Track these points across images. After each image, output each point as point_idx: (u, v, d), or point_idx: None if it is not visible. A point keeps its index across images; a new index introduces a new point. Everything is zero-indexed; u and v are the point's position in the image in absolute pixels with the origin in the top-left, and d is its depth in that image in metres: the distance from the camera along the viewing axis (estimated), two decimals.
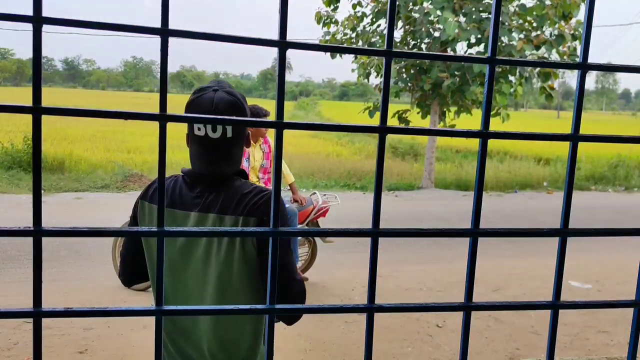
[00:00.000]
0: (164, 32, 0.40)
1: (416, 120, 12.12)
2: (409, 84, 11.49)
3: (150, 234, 0.43)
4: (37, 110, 0.38)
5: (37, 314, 0.40)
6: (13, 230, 0.39)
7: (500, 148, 18.23)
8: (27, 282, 5.03)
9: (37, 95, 0.39)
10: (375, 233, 0.46)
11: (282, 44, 0.42)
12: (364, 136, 20.59)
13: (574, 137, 0.50)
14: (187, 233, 0.44)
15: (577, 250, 6.52)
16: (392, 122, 11.97)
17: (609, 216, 9.44)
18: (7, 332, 3.88)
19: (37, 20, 0.38)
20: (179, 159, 12.37)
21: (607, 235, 0.51)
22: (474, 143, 18.66)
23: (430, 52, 0.47)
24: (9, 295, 4.67)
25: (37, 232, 0.39)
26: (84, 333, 3.88)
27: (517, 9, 10.54)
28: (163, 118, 0.41)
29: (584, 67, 0.50)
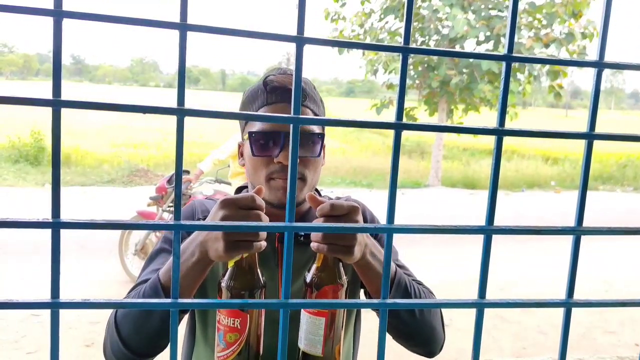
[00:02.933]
0: (183, 27, 0.40)
1: (423, 117, 12.09)
2: (417, 81, 11.46)
3: (167, 227, 0.43)
4: (57, 104, 0.38)
5: (55, 305, 0.40)
6: (32, 222, 0.39)
7: (508, 147, 18.17)
8: (33, 276, 5.06)
9: (57, 88, 0.39)
10: (390, 229, 0.46)
11: (300, 40, 0.42)
12: (371, 133, 20.57)
13: (590, 136, 0.50)
14: (205, 226, 0.44)
15: (585, 250, 6.49)
16: None
17: (618, 216, 9.40)
18: (15, 324, 3.91)
19: (58, 13, 0.38)
20: (184, 154, 12.38)
21: (621, 234, 0.51)
22: (482, 141, 18.61)
23: (446, 49, 0.47)
24: (15, 288, 4.71)
25: (56, 224, 0.39)
26: (90, 327, 3.90)
27: (526, 6, 10.49)
28: (181, 112, 0.41)
29: (600, 65, 0.50)
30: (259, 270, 0.88)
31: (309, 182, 1.11)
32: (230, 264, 0.86)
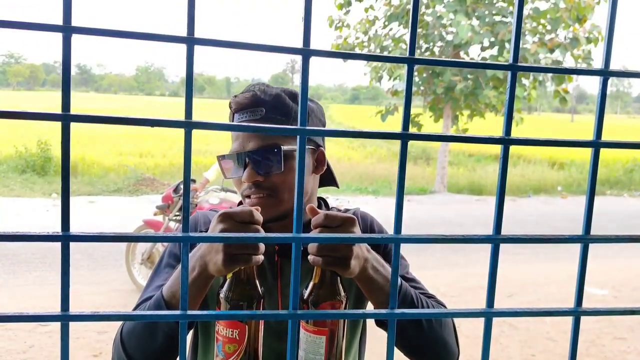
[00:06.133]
0: (190, 41, 0.41)
1: (428, 123, 12.09)
2: (422, 87, 11.47)
3: (175, 239, 0.43)
4: (67, 118, 0.38)
5: (65, 318, 0.40)
6: (42, 235, 0.40)
7: (514, 152, 18.10)
8: (41, 285, 5.08)
9: (66, 102, 0.39)
10: (397, 239, 0.46)
11: (307, 52, 0.42)
12: (376, 140, 20.57)
13: (596, 144, 0.50)
14: (212, 238, 0.44)
15: (592, 255, 6.45)
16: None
17: (625, 221, 9.33)
18: (23, 335, 3.91)
19: (67, 29, 0.38)
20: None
21: (630, 242, 0.51)
22: (487, 147, 18.56)
23: (452, 59, 0.47)
24: (24, 298, 4.72)
25: (66, 238, 0.40)
26: (97, 336, 3.90)
27: (531, 12, 10.49)
28: (189, 125, 0.41)
29: (605, 74, 0.50)
30: (257, 281, 0.88)
31: (285, 198, 1.08)
32: (229, 275, 0.87)
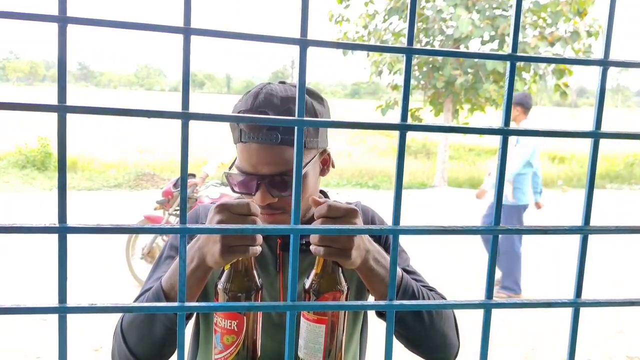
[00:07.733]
0: (187, 31, 0.41)
1: (429, 118, 12.08)
2: (422, 82, 11.45)
3: (173, 230, 0.43)
4: (62, 109, 0.38)
5: (62, 310, 0.40)
6: (39, 227, 0.39)
7: None
8: (41, 281, 5.08)
9: (62, 93, 0.39)
10: (395, 230, 0.46)
11: (304, 42, 0.42)
12: (376, 135, 20.55)
13: (596, 134, 0.49)
14: (210, 230, 0.44)
15: (592, 248, 6.46)
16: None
17: (626, 215, 9.33)
18: (23, 329, 3.92)
19: (63, 20, 0.38)
20: (192, 159, 12.43)
21: (630, 233, 0.51)
22: (487, 141, 18.54)
23: (450, 49, 0.47)
24: (25, 293, 4.73)
25: (63, 230, 0.39)
26: (98, 331, 3.91)
27: (531, 5, 10.46)
28: (185, 116, 0.41)
29: (605, 64, 0.49)
30: (255, 272, 0.88)
31: None
32: (227, 266, 0.87)
